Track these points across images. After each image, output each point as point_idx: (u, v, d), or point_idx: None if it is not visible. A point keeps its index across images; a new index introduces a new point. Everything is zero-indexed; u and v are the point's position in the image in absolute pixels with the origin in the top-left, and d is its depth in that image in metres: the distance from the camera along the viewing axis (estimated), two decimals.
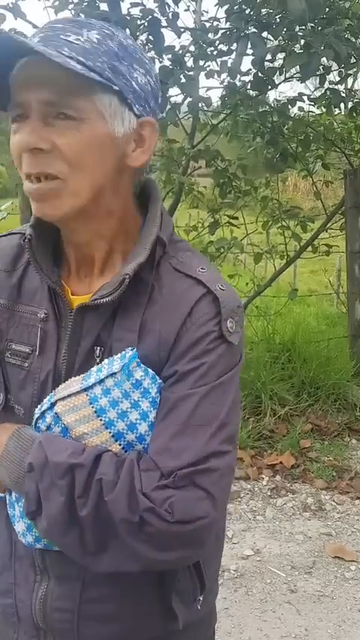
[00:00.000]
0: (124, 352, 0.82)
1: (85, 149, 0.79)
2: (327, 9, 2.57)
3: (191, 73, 2.78)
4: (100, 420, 0.81)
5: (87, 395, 0.81)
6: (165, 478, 0.77)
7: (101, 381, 0.81)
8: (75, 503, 0.77)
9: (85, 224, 0.84)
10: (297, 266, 6.68)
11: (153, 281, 0.86)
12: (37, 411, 0.85)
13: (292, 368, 3.90)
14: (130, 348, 0.82)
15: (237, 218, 3.55)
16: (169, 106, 2.82)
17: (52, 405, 0.83)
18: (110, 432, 0.81)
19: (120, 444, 0.82)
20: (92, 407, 0.81)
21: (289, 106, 3.28)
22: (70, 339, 0.86)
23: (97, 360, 0.84)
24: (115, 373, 0.81)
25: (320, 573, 2.52)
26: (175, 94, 2.88)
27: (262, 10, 2.57)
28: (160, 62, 2.88)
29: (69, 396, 0.82)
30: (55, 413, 0.83)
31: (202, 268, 0.88)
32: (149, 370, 0.82)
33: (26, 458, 0.81)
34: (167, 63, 2.76)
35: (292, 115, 3.42)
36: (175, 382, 0.82)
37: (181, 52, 2.82)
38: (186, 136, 3.45)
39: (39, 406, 0.85)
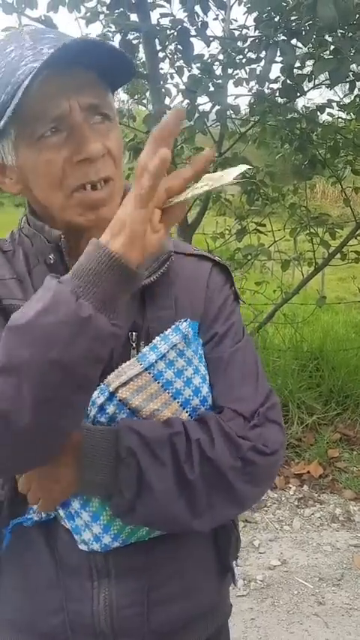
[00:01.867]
0: (176, 325, 0.89)
1: (121, 147, 0.85)
2: (357, 15, 2.55)
3: (220, 81, 2.79)
4: (168, 392, 0.87)
5: (149, 373, 0.86)
6: (249, 420, 0.89)
7: (163, 356, 0.87)
8: (183, 469, 0.82)
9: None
10: (325, 273, 6.61)
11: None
12: (91, 407, 0.85)
13: (320, 376, 3.85)
14: (182, 320, 0.90)
15: (264, 225, 3.54)
16: (197, 114, 2.83)
17: (112, 394, 0.85)
18: (178, 402, 0.88)
19: (187, 412, 0.88)
20: (158, 382, 0.86)
21: (318, 113, 3.25)
22: None
23: (133, 345, 0.88)
24: (177, 344, 0.88)
25: (349, 586, 2.48)
26: (203, 102, 2.89)
27: (292, 17, 2.57)
28: (189, 71, 2.90)
29: (130, 379, 0.85)
30: (119, 400, 0.85)
31: (195, 248, 1.00)
32: (198, 337, 0.92)
33: (115, 447, 0.81)
34: (196, 72, 2.77)
35: (321, 122, 3.40)
36: (218, 343, 0.93)
37: (210, 60, 2.83)
38: (214, 144, 3.46)
39: (90, 402, 0.84)
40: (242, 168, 0.71)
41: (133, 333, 0.89)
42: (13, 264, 0.92)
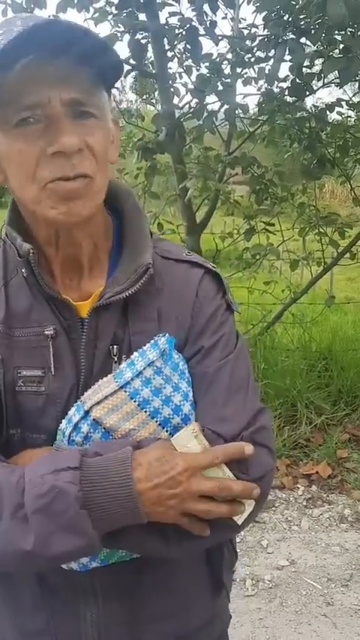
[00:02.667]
0: (154, 340, 0.84)
1: (106, 146, 0.81)
2: None
3: (228, 80, 2.79)
4: (145, 411, 0.82)
5: (125, 391, 0.81)
6: None
7: (139, 374, 0.82)
8: None
9: (88, 223, 0.84)
10: (334, 273, 6.58)
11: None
12: (67, 425, 0.82)
13: (329, 376, 3.84)
14: (161, 335, 0.84)
15: (273, 225, 3.53)
16: (205, 114, 2.83)
17: (86, 413, 0.81)
18: (157, 421, 0.82)
19: (167, 430, 0.83)
20: (134, 401, 0.81)
21: (328, 112, 3.24)
22: (86, 346, 0.84)
23: (115, 359, 0.84)
24: (154, 361, 0.82)
25: (358, 586, 2.46)
26: (212, 101, 2.89)
27: (301, 16, 2.56)
28: (198, 70, 2.90)
29: (105, 398, 0.81)
30: (93, 419, 0.81)
31: (187, 253, 0.94)
32: (179, 352, 0.86)
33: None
34: (205, 71, 2.77)
35: (331, 121, 3.39)
36: (205, 357, 0.87)
37: (218, 59, 2.83)
38: (222, 143, 3.46)
39: (65, 421, 0.83)
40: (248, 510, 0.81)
41: (115, 347, 0.84)
42: None
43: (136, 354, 0.83)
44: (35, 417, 0.84)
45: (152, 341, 0.84)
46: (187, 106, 3.07)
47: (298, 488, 3.13)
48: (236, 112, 2.95)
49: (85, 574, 0.86)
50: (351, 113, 3.44)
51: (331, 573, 2.54)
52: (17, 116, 0.75)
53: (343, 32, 2.54)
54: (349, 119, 3.50)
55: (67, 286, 0.87)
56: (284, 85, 2.99)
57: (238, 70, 2.96)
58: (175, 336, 0.86)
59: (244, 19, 3.21)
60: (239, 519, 0.80)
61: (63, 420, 0.83)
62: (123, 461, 0.74)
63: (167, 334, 0.85)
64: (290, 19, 2.55)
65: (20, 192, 0.80)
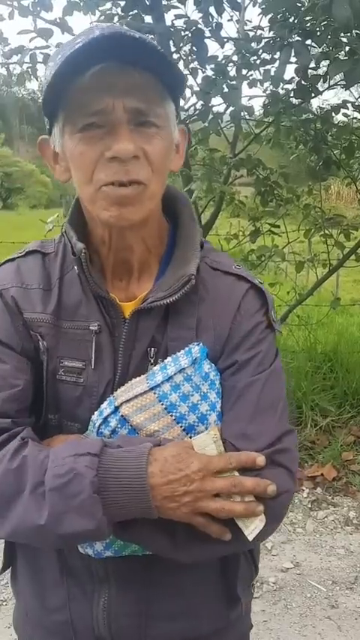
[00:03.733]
0: (188, 348, 0.87)
1: (164, 155, 0.85)
2: None
3: (234, 82, 2.79)
4: (171, 415, 0.84)
5: (155, 393, 0.84)
6: None
7: (169, 378, 0.84)
8: None
9: (141, 228, 0.88)
10: (340, 275, 6.57)
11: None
12: (98, 417, 0.86)
13: (334, 378, 3.83)
14: (195, 343, 0.87)
15: (278, 226, 3.53)
16: (211, 116, 2.83)
17: (117, 408, 0.85)
18: (181, 426, 0.85)
19: (191, 437, 0.85)
20: (162, 404, 0.84)
21: (333, 114, 3.23)
22: (125, 345, 0.88)
23: (152, 361, 0.88)
24: (185, 368, 0.85)
25: None
26: (217, 103, 2.89)
27: (306, 18, 2.56)
28: (203, 72, 2.90)
29: (135, 396, 0.84)
30: (122, 415, 0.84)
31: (236, 266, 0.95)
32: (212, 363, 0.88)
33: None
34: (210, 73, 2.77)
35: (336, 123, 3.38)
36: (237, 371, 0.88)
37: (224, 61, 2.83)
38: (228, 145, 3.46)
39: (97, 413, 0.87)
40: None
41: (152, 349, 0.88)
42: (47, 269, 0.94)
43: (169, 358, 0.86)
44: (72, 406, 0.89)
45: (186, 348, 0.87)
46: (193, 107, 3.08)
47: (303, 490, 3.13)
48: (242, 113, 2.94)
49: (101, 561, 0.90)
50: (357, 115, 3.42)
51: (335, 576, 2.53)
52: (83, 121, 0.80)
53: (349, 34, 2.54)
54: (354, 121, 3.48)
55: (117, 286, 0.92)
56: (290, 86, 2.98)
57: (244, 72, 2.96)
58: (211, 346, 0.88)
59: (250, 21, 3.21)
60: (250, 534, 0.80)
61: (95, 412, 0.87)
62: (140, 454, 0.77)
63: (201, 344, 0.87)
64: (296, 21, 2.55)
65: (80, 191, 0.86)
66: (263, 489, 0.79)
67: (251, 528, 0.80)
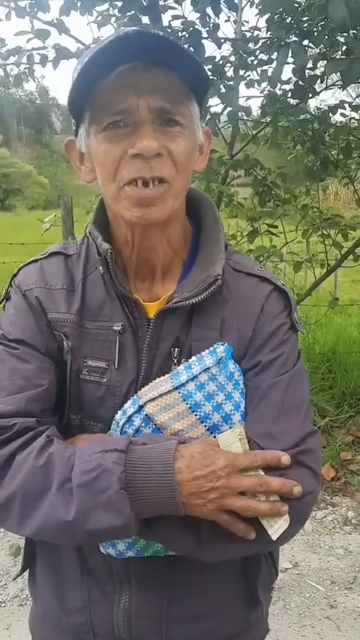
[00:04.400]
0: (213, 347, 0.87)
1: (188, 154, 0.85)
2: None
3: (231, 82, 2.79)
4: (195, 414, 0.85)
5: (179, 392, 0.85)
6: None
7: (194, 377, 0.85)
8: None
9: (165, 228, 0.88)
10: (338, 275, 6.57)
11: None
12: (122, 417, 0.86)
13: (333, 378, 3.83)
14: (220, 343, 0.87)
15: (276, 227, 3.53)
16: (208, 116, 2.83)
17: (141, 407, 0.85)
18: (205, 426, 0.85)
19: (215, 437, 0.85)
20: (186, 403, 0.84)
21: (330, 114, 3.24)
22: (149, 345, 0.89)
23: (175, 361, 0.88)
24: (209, 368, 0.85)
25: None
26: (215, 103, 2.89)
27: (303, 18, 2.56)
28: (205, 70, 2.90)
29: (160, 396, 0.85)
30: (146, 414, 0.85)
31: (259, 268, 0.96)
32: (237, 363, 0.88)
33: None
34: (208, 73, 2.77)
35: (334, 123, 3.39)
36: (260, 372, 0.88)
37: (221, 62, 2.83)
38: (225, 146, 3.46)
39: (121, 412, 0.87)
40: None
41: (176, 349, 0.89)
42: (70, 270, 0.94)
43: (194, 358, 0.87)
44: (95, 406, 0.89)
45: (211, 348, 0.87)
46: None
47: None
48: (239, 114, 2.95)
49: (122, 562, 0.90)
50: (354, 115, 3.43)
51: (334, 576, 2.53)
52: (108, 120, 0.81)
53: (346, 34, 2.54)
54: (352, 121, 3.49)
55: (140, 287, 0.93)
56: (287, 87, 2.99)
57: (241, 72, 2.96)
58: (235, 347, 0.89)
59: (247, 22, 3.20)
60: (274, 534, 0.80)
61: (119, 411, 0.87)
62: (167, 450, 0.78)
63: (226, 343, 0.88)
64: (293, 21, 2.55)
65: (104, 189, 0.86)
66: (289, 490, 0.80)
67: (275, 528, 0.80)
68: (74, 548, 0.93)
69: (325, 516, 2.94)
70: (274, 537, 0.80)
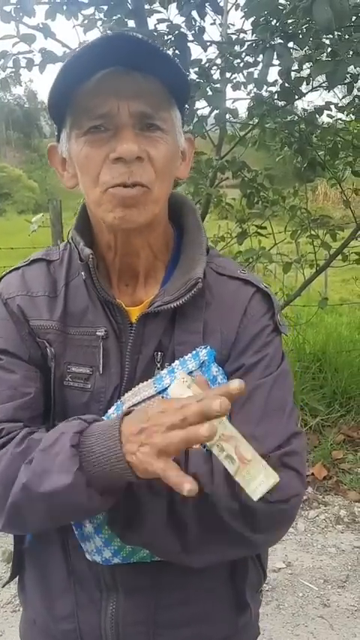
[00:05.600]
0: (195, 351, 0.87)
1: (169, 159, 0.85)
2: (353, 17, 2.56)
3: (218, 85, 2.80)
4: None
5: (162, 397, 0.84)
6: None
7: None
8: (175, 501, 0.79)
9: (146, 232, 0.88)
10: (328, 275, 6.61)
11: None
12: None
13: (323, 378, 3.85)
14: (202, 346, 0.87)
15: (265, 228, 3.54)
16: (196, 119, 2.84)
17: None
18: None
19: None
20: None
21: (317, 115, 3.25)
22: (132, 349, 0.88)
23: (158, 365, 0.88)
24: (192, 371, 0.84)
25: (354, 587, 2.47)
26: (201, 106, 2.90)
27: (288, 21, 2.57)
28: (187, 76, 2.91)
29: (143, 400, 0.84)
30: None
31: (242, 270, 0.95)
32: (219, 366, 0.88)
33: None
34: (194, 76, 2.78)
35: (321, 124, 3.41)
36: (244, 374, 0.87)
37: (207, 65, 2.84)
38: (213, 148, 3.47)
39: (105, 417, 0.85)
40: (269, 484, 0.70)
41: (159, 353, 0.88)
42: (53, 275, 0.94)
43: (177, 362, 0.86)
44: (80, 412, 0.87)
45: (194, 352, 0.87)
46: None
47: None
48: (226, 116, 2.95)
49: (108, 568, 0.89)
50: (340, 116, 3.45)
51: (327, 575, 2.54)
52: (89, 124, 0.81)
53: (331, 36, 2.56)
54: (338, 122, 3.51)
55: (123, 291, 0.93)
56: (273, 89, 3.00)
57: (228, 75, 2.96)
58: (218, 350, 0.88)
59: (233, 25, 3.20)
60: (254, 493, 0.69)
61: (103, 417, 0.86)
62: (119, 416, 0.75)
63: (209, 346, 0.87)
64: (278, 23, 2.56)
65: (86, 194, 0.86)
66: (208, 408, 0.66)
67: (253, 486, 0.70)
68: (61, 556, 0.93)
69: (317, 515, 2.95)
70: (256, 497, 0.69)
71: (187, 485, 0.66)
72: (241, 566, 0.94)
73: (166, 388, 0.84)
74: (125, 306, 0.90)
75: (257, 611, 1.05)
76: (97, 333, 0.88)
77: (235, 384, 0.69)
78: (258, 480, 0.70)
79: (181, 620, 0.92)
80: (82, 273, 0.90)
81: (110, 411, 0.86)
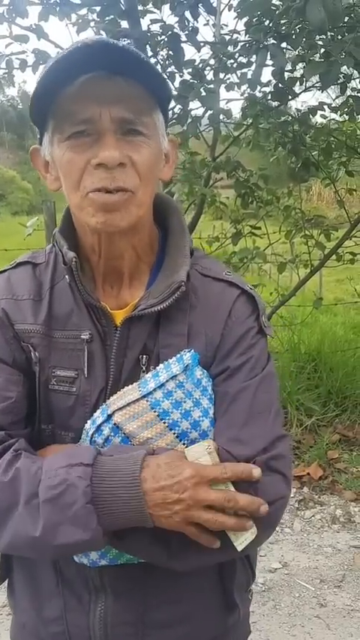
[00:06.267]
0: (180, 355, 0.87)
1: (152, 163, 0.85)
2: (346, 17, 2.56)
3: (211, 86, 2.79)
4: (164, 422, 0.84)
5: (147, 400, 0.84)
6: None
7: (162, 385, 0.84)
8: None
9: (130, 235, 0.88)
10: (323, 275, 6.62)
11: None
12: (91, 426, 0.86)
13: (319, 378, 3.86)
14: (186, 350, 0.87)
15: (260, 228, 3.55)
16: (189, 119, 2.84)
17: (109, 416, 0.84)
18: (175, 433, 0.84)
19: (184, 444, 0.84)
20: (154, 411, 0.84)
21: (311, 115, 3.26)
22: (117, 353, 0.88)
23: (143, 368, 0.88)
24: (177, 375, 0.85)
25: (350, 587, 2.47)
26: (195, 107, 2.90)
27: (281, 21, 2.57)
28: (181, 76, 2.91)
29: (128, 404, 0.84)
30: (115, 424, 0.84)
31: (227, 272, 0.95)
32: (204, 369, 0.88)
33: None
34: (187, 77, 2.78)
35: (315, 124, 3.41)
36: (229, 377, 0.87)
37: (201, 65, 2.84)
38: (207, 148, 3.47)
39: (90, 421, 0.86)
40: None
41: (144, 356, 0.88)
42: (38, 278, 0.94)
43: (161, 365, 0.86)
44: (65, 416, 0.89)
45: (178, 355, 0.86)
46: (171, 112, 3.08)
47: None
48: (220, 117, 2.95)
49: (96, 570, 0.89)
50: (334, 116, 3.46)
51: (323, 574, 2.55)
52: (71, 129, 0.81)
53: (324, 36, 2.56)
54: (331, 122, 3.52)
55: (108, 294, 0.92)
56: (267, 89, 3.00)
57: (221, 75, 2.97)
58: (203, 353, 0.88)
59: (226, 25, 3.20)
60: (240, 546, 0.80)
61: (88, 421, 0.87)
62: (134, 462, 0.77)
63: (192, 350, 0.87)
64: (271, 24, 2.56)
65: (68, 198, 0.86)
66: (257, 508, 0.79)
67: (241, 540, 0.80)
68: (51, 560, 0.93)
69: (313, 515, 2.95)
70: (240, 548, 0.80)
71: (217, 544, 0.79)
72: (229, 566, 0.95)
73: (151, 392, 0.84)
74: (110, 309, 0.90)
75: (247, 610, 1.06)
76: (82, 337, 0.88)
77: (258, 474, 0.80)
78: (245, 536, 0.80)
79: (170, 621, 0.92)
80: (66, 276, 0.90)
81: (96, 414, 0.86)
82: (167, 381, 0.84)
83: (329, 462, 3.34)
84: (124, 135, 0.82)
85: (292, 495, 3.10)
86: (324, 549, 2.71)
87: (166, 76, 2.94)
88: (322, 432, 3.55)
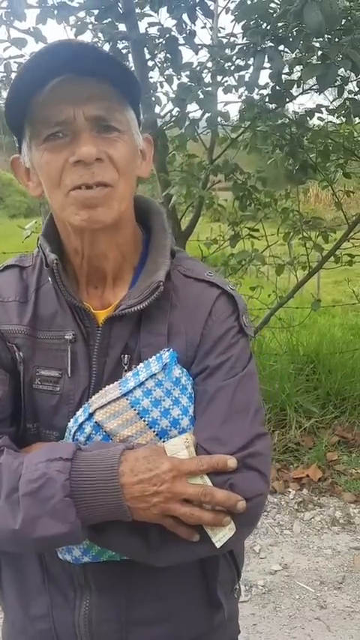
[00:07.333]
0: (159, 354, 0.88)
1: (129, 158, 0.87)
2: (343, 20, 2.57)
3: (209, 88, 2.80)
4: (144, 420, 0.85)
5: (127, 399, 0.85)
6: None
7: (141, 384, 0.86)
8: None
9: (114, 232, 0.89)
10: (321, 277, 6.63)
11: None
12: (73, 424, 0.87)
13: (317, 379, 3.86)
14: (165, 349, 0.88)
15: (257, 230, 3.55)
16: (187, 122, 2.84)
17: (91, 415, 0.86)
18: (154, 431, 0.86)
19: (164, 441, 0.86)
20: (134, 409, 0.85)
21: (308, 118, 3.27)
22: (99, 352, 0.90)
23: (125, 368, 0.89)
24: (156, 374, 0.86)
25: (350, 588, 2.47)
26: (193, 109, 2.90)
27: (279, 24, 2.58)
28: (179, 79, 2.92)
29: (109, 403, 0.86)
30: (96, 422, 0.86)
31: (209, 273, 0.97)
32: (183, 368, 0.89)
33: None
34: (185, 80, 2.79)
35: (312, 126, 3.42)
36: (208, 376, 0.89)
37: (198, 68, 2.84)
38: (205, 151, 3.47)
39: (73, 420, 0.88)
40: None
41: (126, 356, 0.89)
42: (25, 281, 0.96)
43: (141, 364, 0.88)
44: (50, 415, 0.90)
45: (158, 354, 0.88)
46: (169, 114, 3.09)
47: (290, 492, 3.14)
48: (218, 119, 2.96)
49: (80, 567, 0.90)
50: (331, 118, 3.47)
51: (323, 576, 2.55)
52: (47, 132, 0.83)
53: (321, 39, 2.57)
54: (329, 124, 3.53)
55: (92, 295, 0.94)
56: (264, 92, 3.01)
57: (219, 78, 2.98)
58: (183, 352, 0.89)
59: (223, 28, 3.21)
60: (218, 542, 0.81)
61: (71, 419, 0.88)
62: (112, 456, 0.78)
63: (171, 349, 0.88)
64: (268, 27, 2.57)
65: (50, 200, 0.88)
66: (234, 503, 0.80)
67: (219, 536, 0.81)
68: (36, 556, 0.94)
69: (312, 517, 2.95)
70: (218, 545, 0.81)
71: (196, 537, 0.81)
72: (212, 564, 0.95)
73: (131, 391, 0.86)
74: (94, 309, 0.91)
75: (233, 609, 1.06)
76: (66, 337, 0.90)
77: (233, 463, 0.81)
78: (223, 532, 0.81)
79: (153, 618, 0.93)
80: (49, 278, 0.92)
81: (78, 413, 0.88)
82: (147, 379, 0.86)
83: (328, 464, 3.34)
84: (99, 132, 0.84)
85: (291, 497, 3.10)
86: (324, 551, 2.71)
87: (163, 78, 2.95)
88: (321, 434, 3.55)
